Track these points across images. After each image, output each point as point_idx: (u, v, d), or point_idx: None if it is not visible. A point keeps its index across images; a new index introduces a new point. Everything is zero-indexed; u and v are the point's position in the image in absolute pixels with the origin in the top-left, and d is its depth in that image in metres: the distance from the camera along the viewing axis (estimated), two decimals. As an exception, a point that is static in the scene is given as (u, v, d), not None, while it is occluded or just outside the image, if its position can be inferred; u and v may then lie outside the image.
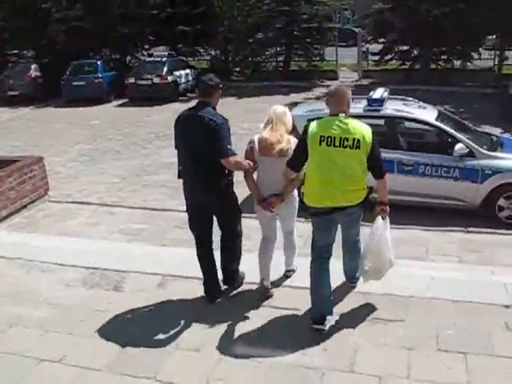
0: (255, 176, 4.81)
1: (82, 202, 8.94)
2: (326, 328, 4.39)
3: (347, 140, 4.17)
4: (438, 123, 7.89)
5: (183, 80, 20.80)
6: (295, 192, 4.89)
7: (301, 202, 4.79)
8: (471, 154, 7.65)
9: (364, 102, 8.13)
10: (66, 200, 9.11)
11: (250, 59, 24.51)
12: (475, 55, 21.72)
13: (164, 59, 20.36)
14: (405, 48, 22.78)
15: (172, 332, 4.55)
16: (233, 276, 5.13)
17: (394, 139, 8.00)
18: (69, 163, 12.15)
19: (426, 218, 7.80)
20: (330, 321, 4.44)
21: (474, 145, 7.71)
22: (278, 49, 24.48)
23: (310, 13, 22.52)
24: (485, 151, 7.74)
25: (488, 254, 6.58)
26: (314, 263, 4.52)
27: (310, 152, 4.29)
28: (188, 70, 21.58)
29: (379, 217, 4.61)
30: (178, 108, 19.02)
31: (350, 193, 4.28)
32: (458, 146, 7.58)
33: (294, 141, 4.58)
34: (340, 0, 23.71)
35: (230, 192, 4.76)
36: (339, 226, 4.61)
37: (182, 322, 4.66)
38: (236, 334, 4.51)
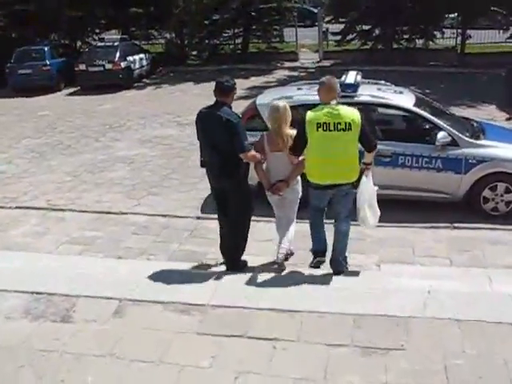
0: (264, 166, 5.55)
1: (28, 207, 8.03)
2: (324, 259, 5.59)
3: (340, 124, 4.94)
4: (417, 110, 7.28)
5: (137, 65, 19.70)
6: (299, 179, 5.61)
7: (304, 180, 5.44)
8: (454, 143, 7.07)
9: None
10: (9, 205, 8.17)
11: (206, 42, 23.46)
12: (438, 34, 21.28)
13: (116, 44, 19.14)
14: (366, 28, 22.19)
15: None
16: (233, 262, 5.67)
17: (371, 128, 7.35)
18: (15, 160, 11.09)
19: (408, 213, 7.23)
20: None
21: (457, 133, 7.13)
22: (236, 30, 23.50)
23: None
24: (468, 139, 7.18)
25: (479, 254, 6.07)
26: (311, 214, 5.58)
27: (309, 138, 5.02)
28: (142, 55, 20.47)
29: (364, 176, 5.39)
30: (133, 96, 18.29)
31: (347, 172, 5.13)
32: (441, 135, 6.99)
33: (294, 133, 5.26)
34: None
35: (246, 181, 5.50)
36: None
37: (143, 366, 3.87)
38: None
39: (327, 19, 24.94)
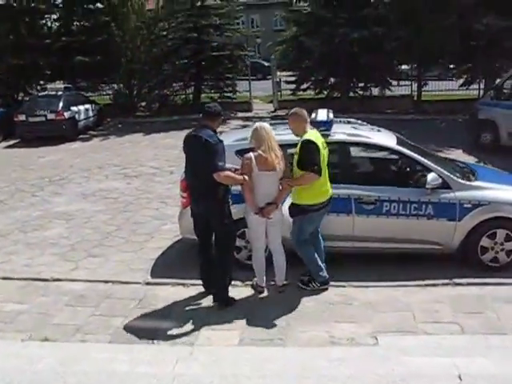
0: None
1: None
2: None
3: (324, 144, 5.58)
4: (403, 149, 6.33)
5: (82, 116, 18.39)
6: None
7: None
8: (445, 185, 6.13)
9: None
10: None
11: (156, 92, 22.50)
12: (393, 82, 21.05)
13: (60, 93, 17.87)
14: (320, 77, 21.75)
15: None
16: (220, 293, 5.53)
17: (349, 171, 6.38)
18: None
19: (397, 268, 6.22)
20: None
21: (448, 174, 6.20)
22: (187, 80, 22.66)
23: (220, 41, 20.95)
24: (461, 181, 6.26)
25: (492, 316, 5.01)
26: (306, 243, 5.71)
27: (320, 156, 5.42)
28: (88, 106, 19.20)
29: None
30: (78, 147, 16.90)
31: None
32: (431, 176, 6.04)
33: (281, 156, 5.44)
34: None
35: (225, 205, 5.41)
36: None
37: None
38: None
39: (281, 69, 24.50)
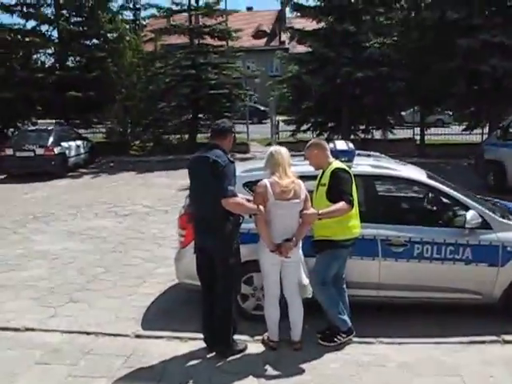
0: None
1: None
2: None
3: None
4: (435, 183, 5.53)
5: (73, 153, 17.61)
6: None
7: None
8: (486, 225, 5.30)
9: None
10: None
11: (151, 131, 21.85)
12: (397, 125, 20.59)
13: (50, 128, 17.15)
14: (320, 119, 21.20)
15: None
16: (222, 341, 4.75)
17: (375, 208, 5.54)
18: None
19: (429, 322, 5.34)
20: None
21: (488, 212, 5.38)
22: (183, 119, 22.04)
23: (218, 79, 20.44)
24: (504, 220, 5.43)
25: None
26: (328, 286, 4.87)
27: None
28: (80, 142, 18.45)
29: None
30: (67, 184, 15.91)
31: None
32: (471, 215, 5.20)
33: (301, 182, 4.70)
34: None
35: (233, 241, 4.63)
36: None
37: None
38: None
39: (278, 111, 23.99)
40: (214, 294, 4.75)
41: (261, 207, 4.55)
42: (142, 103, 20.53)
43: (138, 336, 5.14)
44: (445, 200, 5.61)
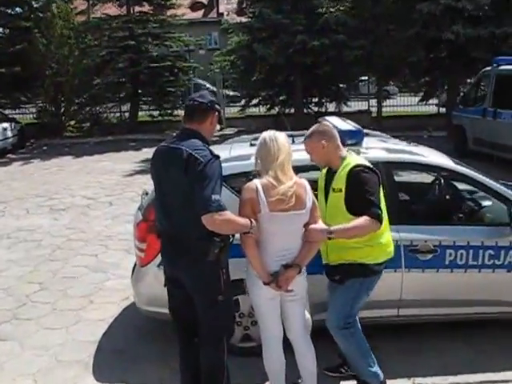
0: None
1: None
2: None
3: None
4: (470, 172, 4.34)
5: (-1, 137, 15.62)
6: None
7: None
8: (533, 224, 4.19)
9: None
10: None
11: (87, 110, 19.92)
12: (352, 96, 19.57)
13: (-31, 109, 15.07)
14: (271, 92, 19.90)
15: None
16: None
17: (395, 204, 4.28)
18: None
19: (467, 348, 4.15)
20: None
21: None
22: (122, 95, 20.19)
23: (158, 50, 18.69)
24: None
25: None
26: (353, 327, 3.59)
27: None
28: (6, 124, 16.35)
29: None
30: None
31: None
32: (517, 210, 4.07)
33: (305, 183, 3.33)
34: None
35: (220, 270, 3.19)
36: None
37: None
38: None
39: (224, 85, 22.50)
40: (195, 343, 3.39)
41: (253, 221, 3.18)
42: (76, 79, 18.53)
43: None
44: (480, 192, 4.45)
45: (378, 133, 5.43)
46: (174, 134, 3.35)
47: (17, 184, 11.93)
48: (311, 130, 3.61)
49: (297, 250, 3.32)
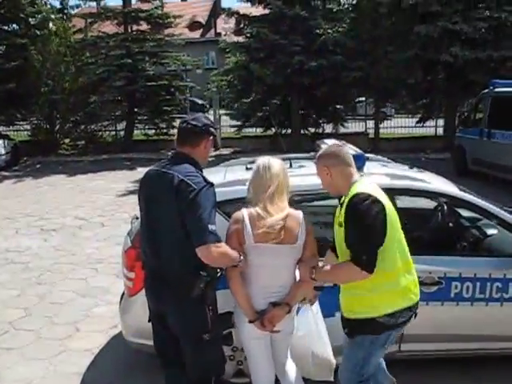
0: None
1: None
2: None
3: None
4: (476, 199, 4.13)
5: (-8, 155, 15.40)
6: None
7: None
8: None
9: (313, 165, 4.39)
10: None
11: (82, 128, 19.73)
12: (349, 117, 19.47)
13: (-39, 126, 14.86)
14: (267, 113, 19.78)
15: None
16: None
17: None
18: None
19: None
20: None
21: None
22: (118, 113, 20.04)
23: (155, 69, 18.59)
24: None
25: None
26: None
27: (388, 229, 2.89)
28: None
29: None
30: None
31: None
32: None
33: (300, 216, 3.07)
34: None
35: (206, 307, 2.99)
36: None
37: None
38: None
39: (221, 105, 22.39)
40: (183, 378, 3.17)
41: (233, 253, 2.97)
42: (72, 97, 18.38)
43: None
44: (486, 220, 4.25)
45: (379, 157, 5.22)
46: (166, 159, 3.14)
47: (7, 203, 11.67)
48: (323, 151, 3.20)
49: (287, 287, 3.10)
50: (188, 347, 3.05)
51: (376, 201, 2.86)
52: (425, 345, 4.05)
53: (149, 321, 3.23)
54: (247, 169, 4.35)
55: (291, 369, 3.32)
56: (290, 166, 4.43)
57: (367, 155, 5.00)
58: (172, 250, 2.93)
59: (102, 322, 5.39)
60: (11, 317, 5.62)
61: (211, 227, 2.81)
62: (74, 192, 12.74)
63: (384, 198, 2.94)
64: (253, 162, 4.97)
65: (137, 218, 4.69)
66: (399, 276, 2.97)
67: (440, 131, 19.59)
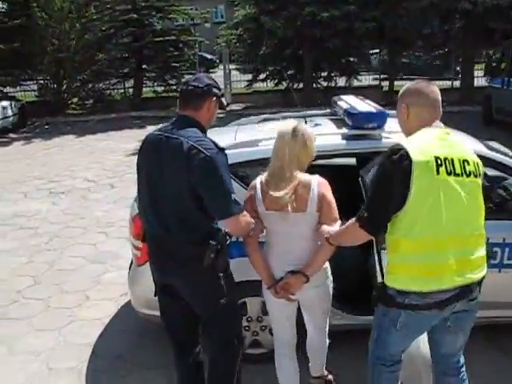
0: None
1: None
2: None
3: (468, 163, 2.46)
4: (502, 158, 3.85)
5: (-2, 116, 15.13)
6: (327, 267, 3.04)
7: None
8: None
9: (329, 123, 4.14)
10: None
11: (90, 86, 19.37)
12: (362, 70, 18.93)
13: (-34, 88, 14.55)
14: (279, 67, 19.27)
15: None
16: None
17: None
18: None
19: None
20: None
21: None
22: (126, 71, 19.63)
23: (162, 24, 18.07)
24: None
25: None
26: (383, 367, 2.71)
27: (413, 192, 2.34)
28: (6, 103, 15.82)
29: None
30: None
31: (480, 257, 2.52)
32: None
33: (311, 183, 2.82)
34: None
35: (218, 277, 2.81)
36: None
37: None
38: None
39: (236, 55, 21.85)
40: (191, 352, 3.07)
41: (253, 221, 2.83)
42: (78, 55, 17.94)
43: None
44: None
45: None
46: (168, 123, 2.87)
47: (16, 165, 11.50)
48: (413, 85, 2.69)
49: (306, 258, 2.92)
50: (206, 316, 2.94)
51: (405, 158, 2.36)
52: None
53: (155, 295, 3.04)
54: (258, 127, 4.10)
55: (318, 341, 3.27)
56: (305, 122, 4.19)
57: (389, 112, 4.73)
58: (180, 220, 2.72)
59: (112, 290, 5.25)
60: (20, 285, 5.49)
61: (234, 196, 2.65)
62: (83, 153, 12.54)
63: (418, 146, 2.41)
64: (264, 121, 4.74)
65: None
66: (420, 251, 2.44)
67: (456, 83, 18.99)
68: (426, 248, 2.42)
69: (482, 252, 2.54)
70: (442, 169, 2.37)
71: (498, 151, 4.08)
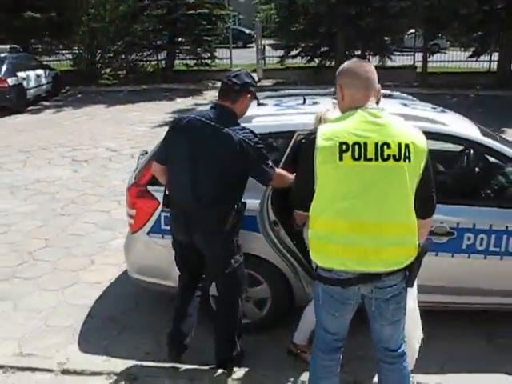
0: None
1: None
2: None
3: (388, 146, 2.36)
4: (496, 145, 3.82)
5: (33, 84, 15.40)
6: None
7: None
8: None
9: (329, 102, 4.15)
10: None
11: (122, 57, 19.60)
12: (396, 50, 18.61)
13: (3, 55, 14.87)
14: (311, 44, 19.09)
15: None
16: (224, 356, 3.52)
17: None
18: None
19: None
20: None
21: None
22: (159, 43, 19.77)
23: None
24: None
25: None
26: (313, 357, 2.79)
27: (318, 175, 2.43)
28: (41, 71, 16.16)
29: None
30: (23, 122, 13.31)
31: (395, 247, 2.43)
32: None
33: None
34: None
35: (234, 240, 3.37)
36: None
37: None
38: None
39: (265, 35, 21.71)
40: (193, 292, 3.64)
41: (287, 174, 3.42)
42: (112, 26, 18.15)
43: (64, 371, 3.53)
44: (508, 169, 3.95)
45: (404, 95, 4.88)
46: (208, 109, 3.34)
47: (44, 133, 11.81)
48: (347, 66, 2.60)
49: None
50: (218, 269, 3.39)
51: (313, 142, 2.41)
52: (431, 296, 3.87)
53: (173, 245, 3.53)
54: (258, 104, 4.16)
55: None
56: (304, 102, 4.24)
57: (390, 93, 4.73)
58: (218, 192, 3.20)
59: (117, 255, 5.41)
60: (32, 247, 5.74)
61: (269, 162, 3.24)
62: (111, 123, 12.78)
63: (328, 131, 2.41)
64: (266, 98, 4.79)
65: (146, 153, 4.62)
66: (321, 231, 2.48)
67: (494, 66, 18.46)
68: (329, 230, 2.44)
69: (401, 242, 2.45)
70: (347, 154, 2.35)
71: (494, 138, 4.04)
